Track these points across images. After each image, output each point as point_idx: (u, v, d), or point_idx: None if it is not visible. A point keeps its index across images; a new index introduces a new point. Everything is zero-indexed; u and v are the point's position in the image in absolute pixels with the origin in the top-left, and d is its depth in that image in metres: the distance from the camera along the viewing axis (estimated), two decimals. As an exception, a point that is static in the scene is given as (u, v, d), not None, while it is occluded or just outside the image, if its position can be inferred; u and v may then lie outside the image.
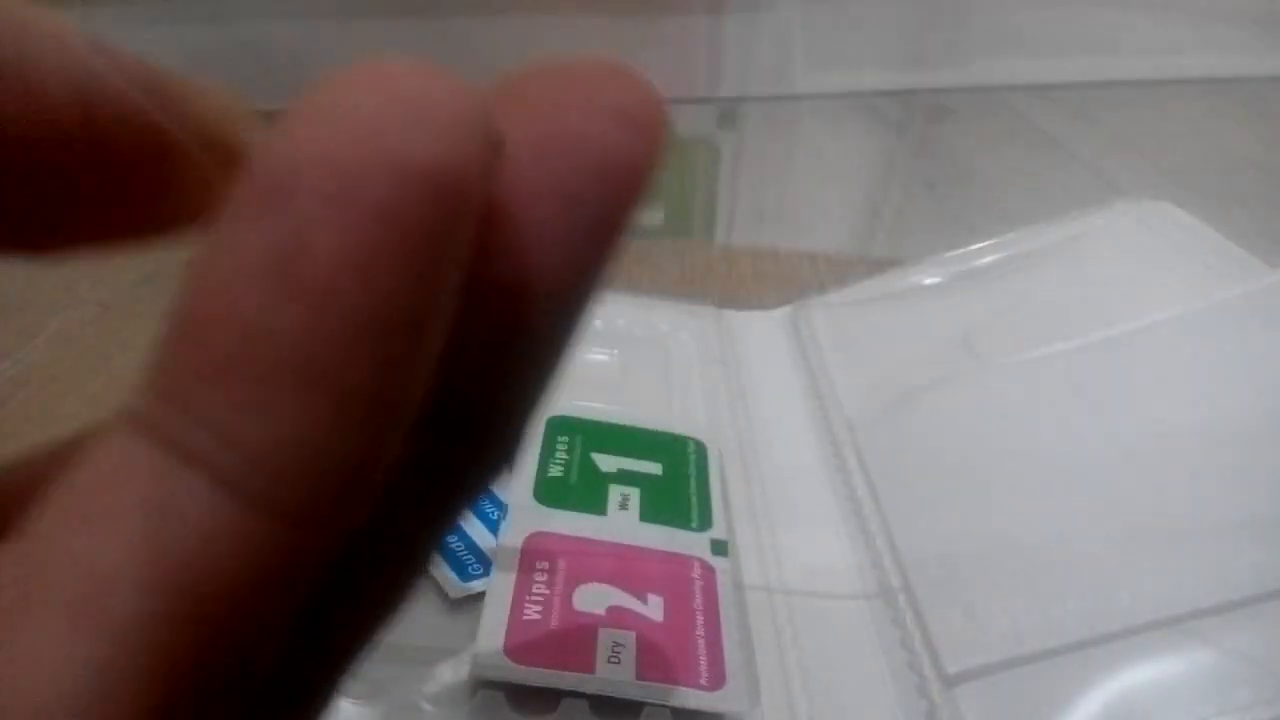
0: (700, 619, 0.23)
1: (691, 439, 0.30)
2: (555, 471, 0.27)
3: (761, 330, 0.38)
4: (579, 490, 0.27)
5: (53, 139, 0.09)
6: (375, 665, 0.16)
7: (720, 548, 0.26)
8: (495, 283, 0.08)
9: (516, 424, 0.09)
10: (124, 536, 0.07)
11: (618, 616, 0.23)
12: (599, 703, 0.21)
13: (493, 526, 0.26)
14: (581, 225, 0.08)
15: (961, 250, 0.38)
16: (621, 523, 0.26)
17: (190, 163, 0.10)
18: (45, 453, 0.11)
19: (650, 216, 0.53)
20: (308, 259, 0.07)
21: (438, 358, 0.08)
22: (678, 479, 0.28)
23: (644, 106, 0.08)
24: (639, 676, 0.21)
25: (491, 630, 0.22)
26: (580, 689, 0.21)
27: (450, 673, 0.22)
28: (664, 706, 0.21)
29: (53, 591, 0.07)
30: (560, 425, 0.29)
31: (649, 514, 0.26)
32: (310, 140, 0.07)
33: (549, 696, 0.21)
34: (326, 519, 0.07)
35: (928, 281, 0.37)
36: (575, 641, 0.22)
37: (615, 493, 0.27)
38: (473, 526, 0.26)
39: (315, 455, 0.07)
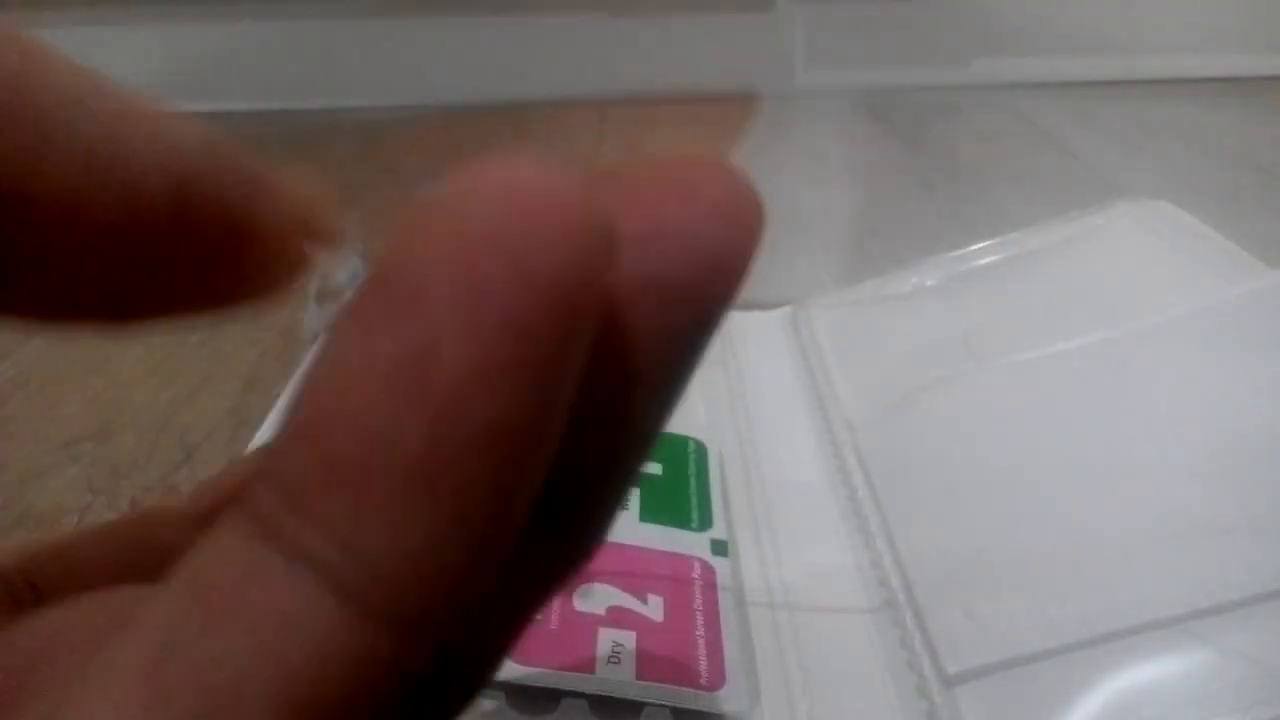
0: (700, 619, 0.23)
1: (691, 439, 0.30)
2: (555, 471, 0.27)
3: (761, 330, 0.38)
4: (579, 490, 0.27)
5: (144, 228, 0.09)
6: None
7: (720, 548, 0.26)
8: (597, 378, 0.08)
9: (608, 511, 0.09)
10: (252, 646, 0.07)
11: (618, 616, 0.23)
12: (599, 703, 0.21)
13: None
14: (679, 321, 0.08)
15: (961, 250, 0.38)
16: (621, 522, 0.26)
17: (272, 245, 0.10)
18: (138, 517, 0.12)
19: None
20: (436, 368, 0.07)
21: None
22: (678, 479, 0.28)
23: (742, 202, 0.08)
24: (639, 676, 0.21)
25: (491, 630, 0.22)
26: (580, 689, 0.21)
27: (450, 673, 0.22)
28: (664, 706, 0.21)
29: (182, 695, 0.06)
30: (560, 425, 0.29)
31: (649, 514, 0.26)
32: (439, 247, 0.07)
33: (549, 696, 0.21)
34: (439, 630, 0.07)
35: (928, 282, 0.37)
36: (575, 641, 0.22)
37: (615, 493, 0.27)
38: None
39: (434, 567, 0.07)
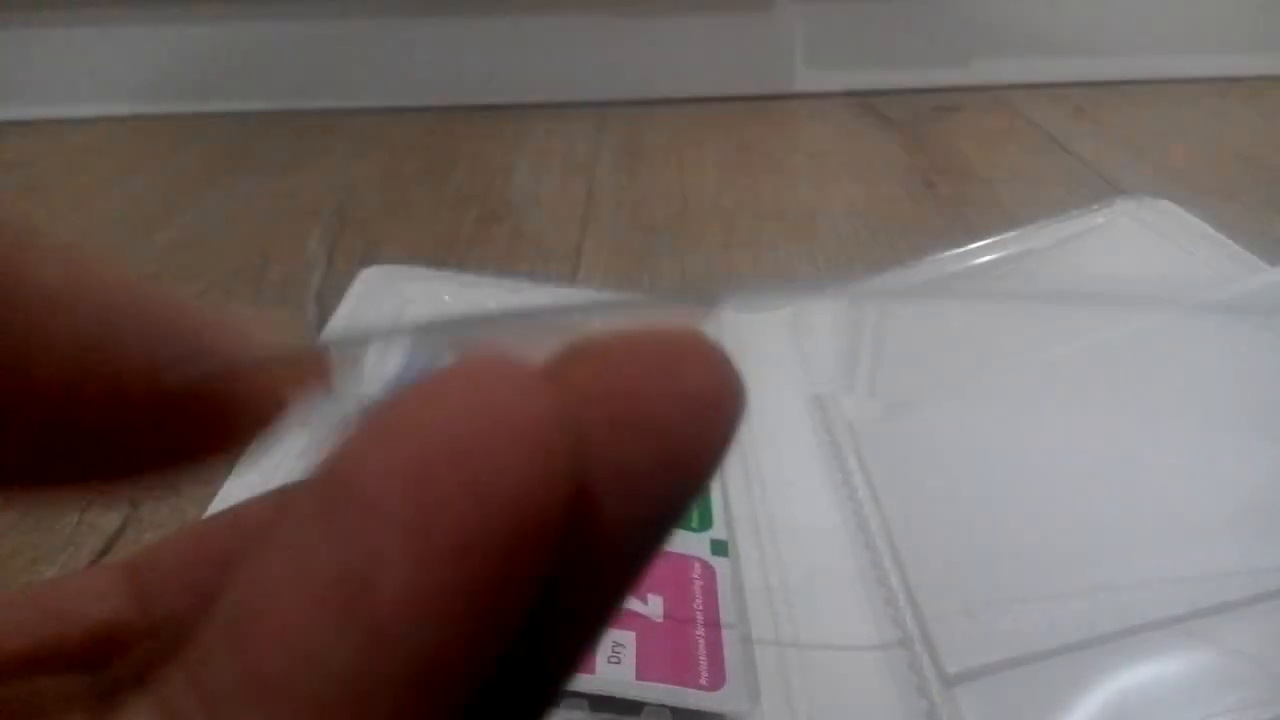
0: (700, 619, 0.23)
1: (691, 439, 0.30)
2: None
3: (762, 331, 0.38)
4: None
5: (126, 413, 0.09)
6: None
7: (720, 548, 0.26)
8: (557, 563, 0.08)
9: (556, 688, 0.09)
10: None
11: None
12: (599, 702, 0.21)
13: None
14: (646, 510, 0.08)
15: (961, 250, 0.38)
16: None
17: (247, 402, 0.10)
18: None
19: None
20: (375, 590, 0.06)
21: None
22: (678, 479, 0.28)
23: (722, 388, 0.08)
24: (639, 676, 0.21)
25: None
26: (580, 689, 0.21)
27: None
28: (664, 706, 0.21)
29: None
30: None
31: (649, 514, 0.26)
32: (390, 458, 0.07)
33: (549, 696, 0.21)
34: None
35: (928, 282, 0.37)
36: (575, 641, 0.22)
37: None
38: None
39: None
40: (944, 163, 0.59)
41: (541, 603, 0.07)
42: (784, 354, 0.36)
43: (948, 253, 0.38)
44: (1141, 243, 0.35)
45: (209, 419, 0.10)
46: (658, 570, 0.25)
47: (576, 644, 0.08)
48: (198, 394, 0.09)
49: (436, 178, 0.59)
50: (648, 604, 0.24)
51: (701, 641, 0.23)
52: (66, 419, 0.09)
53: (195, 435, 0.10)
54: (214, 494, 0.26)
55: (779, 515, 0.28)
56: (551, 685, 0.09)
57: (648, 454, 0.08)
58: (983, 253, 0.37)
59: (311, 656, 0.06)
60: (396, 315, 0.35)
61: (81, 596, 0.11)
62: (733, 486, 0.29)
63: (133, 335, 0.09)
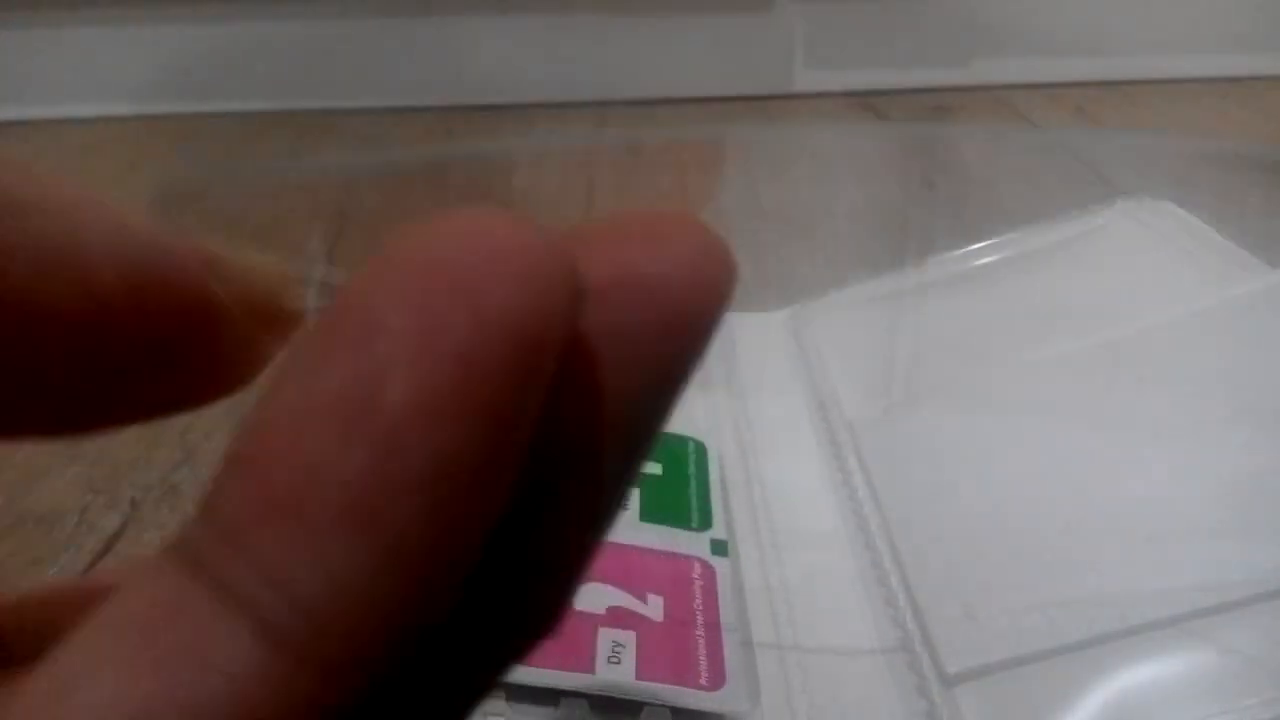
0: (700, 619, 0.23)
1: (691, 439, 0.30)
2: (555, 471, 0.27)
3: (762, 331, 0.38)
4: (579, 490, 0.27)
5: (101, 320, 0.09)
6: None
7: (720, 548, 0.26)
8: (562, 427, 0.08)
9: (563, 589, 0.09)
10: (157, 683, 0.06)
11: (618, 616, 0.23)
12: (599, 702, 0.21)
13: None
14: (645, 371, 0.08)
15: (961, 250, 0.38)
16: (621, 522, 0.26)
17: (237, 333, 0.10)
18: (73, 584, 0.11)
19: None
20: (380, 403, 0.06)
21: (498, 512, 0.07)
22: (678, 479, 0.28)
23: (711, 256, 0.08)
24: (639, 676, 0.21)
25: (491, 630, 0.22)
26: (580, 689, 0.21)
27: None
28: (664, 706, 0.21)
29: None
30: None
31: (649, 514, 0.26)
32: (393, 283, 0.07)
33: (549, 696, 0.21)
34: (365, 673, 0.07)
35: (928, 282, 0.37)
36: (575, 641, 0.22)
37: (615, 493, 0.27)
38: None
39: (363, 607, 0.07)
40: (944, 163, 0.59)
41: (551, 445, 0.08)
42: (784, 354, 0.36)
43: (948, 253, 0.38)
44: (1141, 243, 0.35)
45: (190, 340, 0.10)
46: (658, 570, 0.25)
47: (587, 523, 0.09)
48: (174, 301, 0.09)
49: (436, 178, 0.59)
50: (648, 604, 0.24)
51: (701, 641, 0.23)
52: (34, 328, 0.09)
53: (176, 361, 0.10)
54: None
55: (779, 515, 0.28)
56: (562, 581, 0.09)
57: (643, 313, 0.08)
58: (983, 253, 0.37)
59: (320, 471, 0.06)
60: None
61: None
62: (733, 486, 0.29)
63: (100, 239, 0.09)
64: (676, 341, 0.08)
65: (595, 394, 0.08)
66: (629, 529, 0.26)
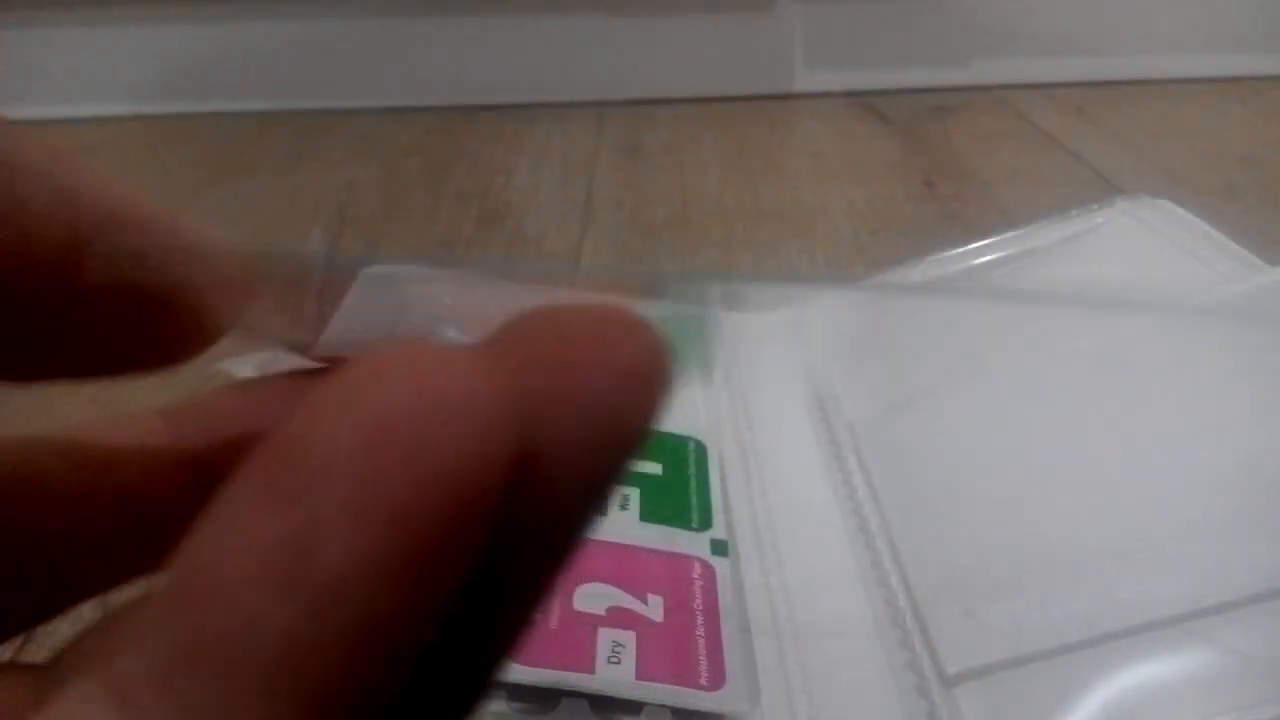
0: (700, 619, 0.23)
1: (691, 439, 0.30)
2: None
3: (761, 331, 0.38)
4: (579, 490, 0.27)
5: (43, 280, 0.09)
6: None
7: (720, 548, 0.26)
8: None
9: (485, 676, 0.09)
10: None
11: (618, 616, 0.23)
12: (599, 702, 0.21)
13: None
14: (575, 486, 0.08)
15: (961, 250, 0.38)
16: (621, 522, 0.26)
17: (190, 301, 0.10)
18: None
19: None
20: (315, 563, 0.07)
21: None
22: (678, 479, 0.28)
23: (647, 361, 0.08)
24: (639, 676, 0.21)
25: (491, 630, 0.22)
26: (580, 689, 0.21)
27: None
28: (664, 706, 0.21)
29: None
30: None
31: (649, 514, 0.26)
32: (333, 433, 0.07)
33: (549, 696, 0.21)
34: None
35: (928, 281, 0.37)
36: (575, 641, 0.22)
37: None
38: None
39: None
40: (944, 163, 0.59)
41: (483, 569, 0.08)
42: (784, 354, 0.36)
43: (948, 253, 0.38)
44: (1141, 243, 0.35)
45: (138, 309, 0.10)
46: (658, 570, 0.25)
47: (519, 611, 0.09)
48: (122, 271, 0.09)
49: (436, 178, 0.59)
50: (648, 604, 0.24)
51: (701, 641, 0.23)
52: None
53: (122, 326, 0.10)
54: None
55: (779, 515, 0.28)
56: (493, 657, 0.09)
57: (579, 425, 0.08)
58: (983, 253, 0.37)
59: (253, 622, 0.06)
60: (396, 316, 0.35)
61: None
62: (733, 486, 0.29)
63: (47, 195, 0.09)
64: (609, 457, 0.08)
65: (530, 494, 0.08)
66: (629, 529, 0.26)
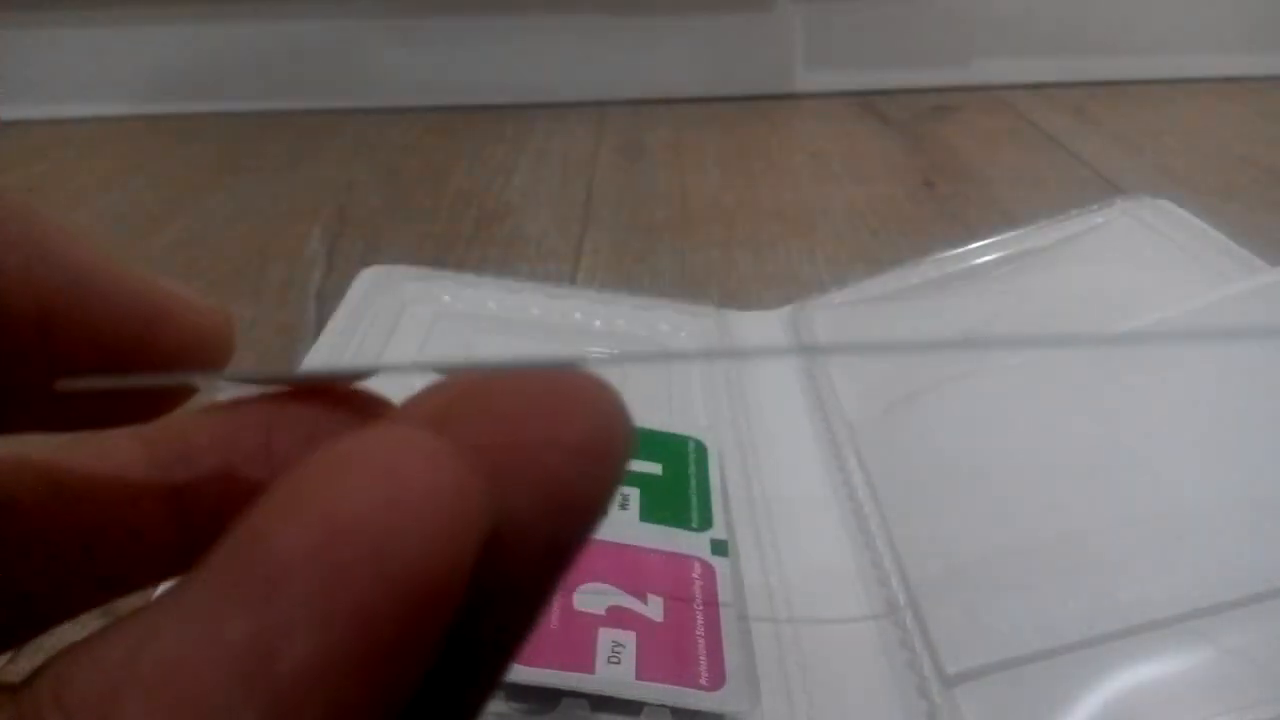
0: (700, 619, 0.23)
1: (691, 439, 0.30)
2: (555, 471, 0.27)
3: (762, 330, 0.38)
4: (579, 490, 0.27)
5: (11, 343, 0.09)
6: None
7: (720, 548, 0.26)
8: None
9: (470, 713, 0.09)
10: None
11: (618, 616, 0.23)
12: (599, 702, 0.21)
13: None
14: (537, 553, 0.08)
15: (961, 250, 0.38)
16: (621, 523, 0.26)
17: (154, 364, 0.10)
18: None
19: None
20: (278, 664, 0.07)
21: None
22: (678, 479, 0.28)
23: (604, 431, 0.08)
24: (639, 676, 0.21)
25: (491, 630, 0.22)
26: (580, 689, 0.21)
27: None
28: (664, 706, 0.21)
29: None
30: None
31: (649, 514, 0.26)
32: (298, 531, 0.07)
33: (549, 696, 0.21)
34: None
35: (928, 282, 0.37)
36: (575, 641, 0.22)
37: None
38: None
39: None
40: (944, 163, 0.59)
41: (455, 632, 0.08)
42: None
43: (948, 253, 0.38)
44: (1141, 243, 0.35)
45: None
46: (658, 570, 0.25)
47: (498, 658, 0.09)
48: (91, 340, 0.10)
49: (436, 178, 0.59)
50: (648, 604, 0.24)
51: (701, 641, 0.23)
52: None
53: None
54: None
55: (779, 515, 0.28)
56: (478, 696, 0.09)
57: (536, 504, 0.08)
58: (983, 253, 0.37)
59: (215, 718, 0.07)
60: (396, 316, 0.35)
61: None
62: (733, 486, 0.29)
63: (17, 269, 0.09)
64: (570, 530, 0.08)
65: (487, 579, 0.08)
66: (629, 529, 0.26)
